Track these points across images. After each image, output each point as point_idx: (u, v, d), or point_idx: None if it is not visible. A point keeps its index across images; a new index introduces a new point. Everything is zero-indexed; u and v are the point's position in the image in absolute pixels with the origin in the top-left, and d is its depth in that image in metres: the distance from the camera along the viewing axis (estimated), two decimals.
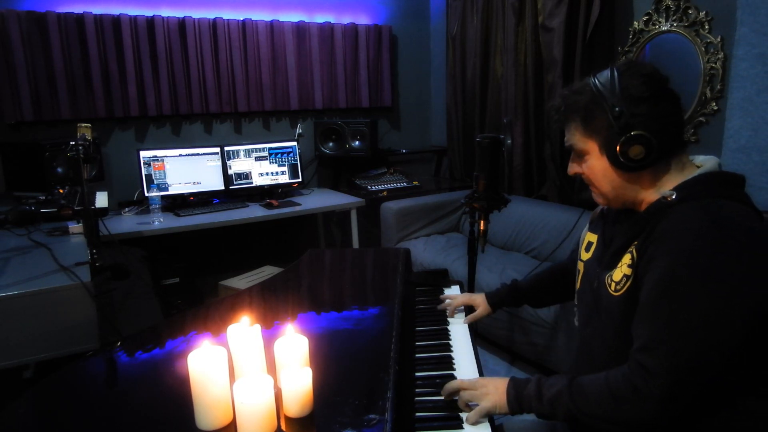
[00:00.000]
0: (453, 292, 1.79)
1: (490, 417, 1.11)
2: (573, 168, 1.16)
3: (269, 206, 3.28)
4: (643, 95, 1.01)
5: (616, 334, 1.07)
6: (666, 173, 1.05)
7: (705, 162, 1.07)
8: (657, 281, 0.94)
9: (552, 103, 1.16)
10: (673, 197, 0.99)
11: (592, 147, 1.08)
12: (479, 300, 1.57)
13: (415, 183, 3.87)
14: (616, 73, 1.04)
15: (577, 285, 1.28)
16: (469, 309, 1.61)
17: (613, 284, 1.06)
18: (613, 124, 1.02)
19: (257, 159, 3.52)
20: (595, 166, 1.09)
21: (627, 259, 1.04)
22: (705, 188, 1.00)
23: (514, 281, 1.59)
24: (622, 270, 1.05)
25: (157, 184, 3.21)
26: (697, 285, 0.90)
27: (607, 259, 1.12)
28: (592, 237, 1.26)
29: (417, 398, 1.16)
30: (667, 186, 1.04)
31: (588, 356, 1.18)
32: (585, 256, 1.26)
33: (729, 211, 0.96)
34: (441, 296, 1.69)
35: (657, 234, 0.97)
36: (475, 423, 1.05)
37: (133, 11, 3.20)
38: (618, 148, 1.02)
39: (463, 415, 1.08)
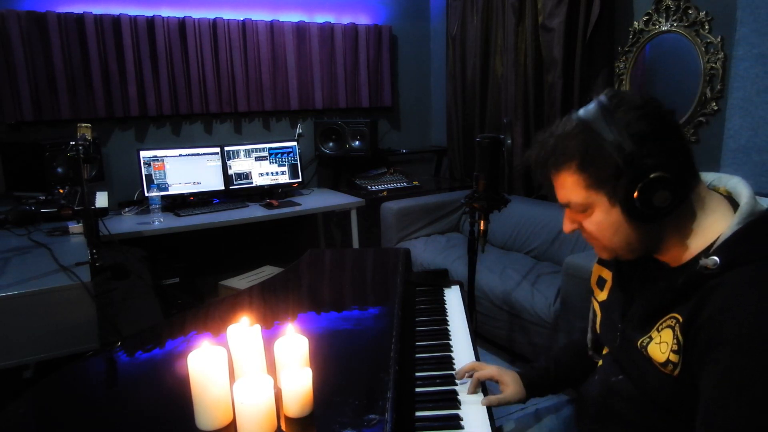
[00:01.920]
0: (453, 292, 1.79)
1: (490, 415, 1.11)
2: (569, 225, 0.98)
3: (269, 206, 3.28)
4: (646, 131, 0.84)
5: (654, 404, 0.94)
6: (687, 212, 0.89)
7: (733, 189, 0.92)
8: (720, 377, 0.79)
9: (531, 152, 0.96)
10: (716, 265, 0.81)
11: (597, 199, 0.90)
12: (509, 379, 1.25)
13: (415, 183, 3.87)
14: (608, 107, 0.87)
15: (598, 329, 1.13)
16: None
17: (654, 358, 0.91)
18: (622, 169, 0.84)
19: (257, 159, 3.52)
20: (604, 221, 0.91)
21: (669, 337, 0.88)
22: (751, 248, 0.83)
23: (547, 368, 1.29)
24: (662, 350, 0.88)
25: (157, 184, 3.21)
26: (763, 375, 0.76)
27: (636, 320, 0.96)
28: (604, 273, 1.12)
29: (417, 398, 1.16)
30: (693, 228, 0.89)
31: (610, 406, 1.03)
32: (600, 295, 1.12)
33: None
34: (459, 369, 1.28)
35: (707, 317, 0.81)
36: None
37: (133, 11, 3.20)
38: (636, 196, 0.84)
39: (463, 414, 1.08)
